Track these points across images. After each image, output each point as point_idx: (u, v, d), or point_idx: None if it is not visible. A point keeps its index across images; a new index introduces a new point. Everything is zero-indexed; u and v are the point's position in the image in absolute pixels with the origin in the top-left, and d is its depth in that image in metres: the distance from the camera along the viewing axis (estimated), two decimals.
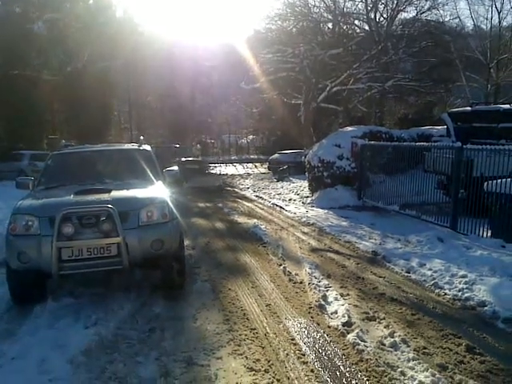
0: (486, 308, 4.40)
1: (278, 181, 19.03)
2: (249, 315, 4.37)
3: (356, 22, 20.89)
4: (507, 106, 12.45)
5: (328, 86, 17.48)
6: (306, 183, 14.96)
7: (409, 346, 3.61)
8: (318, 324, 4.14)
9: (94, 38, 24.46)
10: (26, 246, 4.33)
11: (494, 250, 6.20)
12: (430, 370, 3.20)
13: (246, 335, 3.91)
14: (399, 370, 3.25)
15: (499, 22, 25.12)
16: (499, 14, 24.90)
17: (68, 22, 24.92)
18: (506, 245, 6.38)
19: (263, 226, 8.84)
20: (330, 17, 18.93)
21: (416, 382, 3.07)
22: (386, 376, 3.16)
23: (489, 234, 7.04)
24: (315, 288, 5.08)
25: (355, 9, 20.55)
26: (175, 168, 7.17)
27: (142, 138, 6.90)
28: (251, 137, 40.77)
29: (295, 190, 15.06)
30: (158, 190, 5.21)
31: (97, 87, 25.49)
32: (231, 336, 3.90)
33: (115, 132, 35.54)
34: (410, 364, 3.32)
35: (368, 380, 3.13)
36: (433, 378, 3.09)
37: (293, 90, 18.82)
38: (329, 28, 19.49)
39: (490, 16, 25.44)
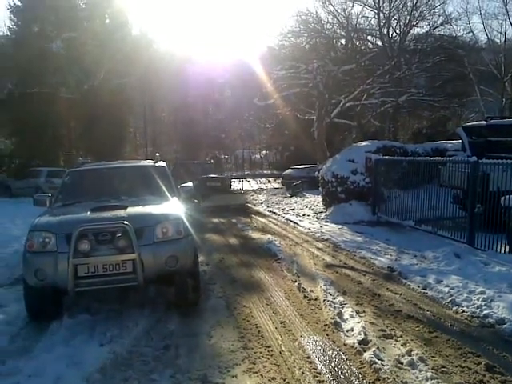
0: (505, 326, 4.31)
1: (291, 196, 19.01)
2: (263, 332, 4.34)
3: (369, 37, 21.05)
4: None
5: (341, 102, 17.51)
6: (319, 198, 14.91)
7: (427, 365, 3.55)
8: (334, 342, 4.09)
9: (111, 56, 24.95)
10: (42, 263, 4.37)
11: None
12: None
13: (260, 353, 3.89)
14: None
15: None
16: None
17: (85, 40, 25.46)
18: None
19: (277, 242, 8.82)
20: (342, 33, 19.07)
21: None
22: None
23: (507, 250, 6.94)
24: (330, 305, 5.03)
25: (368, 25, 20.74)
26: (190, 184, 7.24)
27: (157, 154, 6.98)
28: (264, 152, 40.95)
29: (309, 205, 15.03)
30: (173, 207, 5.24)
31: (112, 104, 25.95)
32: (246, 354, 3.87)
33: (130, 148, 35.95)
34: (429, 383, 3.26)
35: None
36: None
37: (306, 106, 18.90)
38: (342, 44, 19.64)
39: (503, 30, 25.40)
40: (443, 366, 3.54)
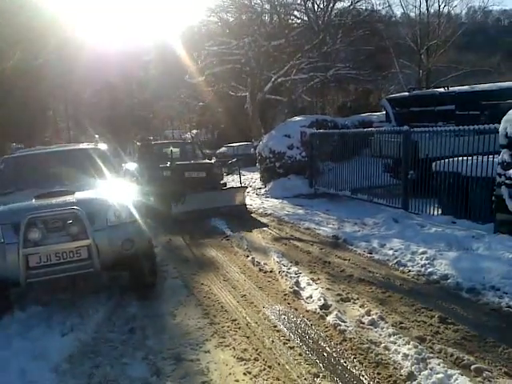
0: (449, 281, 4.69)
1: (227, 174, 19.00)
2: (227, 307, 4.40)
3: (295, 12, 21.24)
4: (442, 90, 13.14)
5: (272, 77, 17.66)
6: (256, 175, 15.08)
7: (387, 323, 3.79)
8: (296, 309, 4.24)
9: (23, 35, 23.19)
10: None
11: (446, 227, 6.59)
12: (411, 342, 3.38)
13: (228, 327, 3.94)
14: (382, 345, 3.41)
15: (427, 9, 26.18)
16: (427, 1, 25.98)
17: None
18: (456, 221, 6.78)
19: (222, 220, 8.84)
20: (269, 8, 19.13)
21: (401, 354, 3.24)
22: (371, 352, 3.31)
23: (439, 212, 7.46)
24: (286, 275, 5.18)
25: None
26: (134, 165, 7.04)
27: (96, 136, 6.72)
28: (195, 131, 40.42)
29: (247, 182, 15.13)
30: (121, 189, 5.10)
31: (29, 87, 24.27)
32: (214, 329, 3.91)
33: (52, 132, 34.01)
34: (392, 339, 3.49)
35: (355, 357, 3.27)
36: (416, 349, 3.27)
37: (238, 83, 18.87)
38: (270, 19, 19.68)
39: (418, 3, 26.43)
40: (401, 322, 3.80)
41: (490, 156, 6.39)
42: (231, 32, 17.72)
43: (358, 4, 21.66)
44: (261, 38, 16.97)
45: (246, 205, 10.02)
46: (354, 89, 24.80)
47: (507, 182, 5.78)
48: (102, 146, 6.35)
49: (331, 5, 20.89)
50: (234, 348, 3.55)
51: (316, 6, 21.08)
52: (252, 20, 17.95)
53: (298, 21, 21.51)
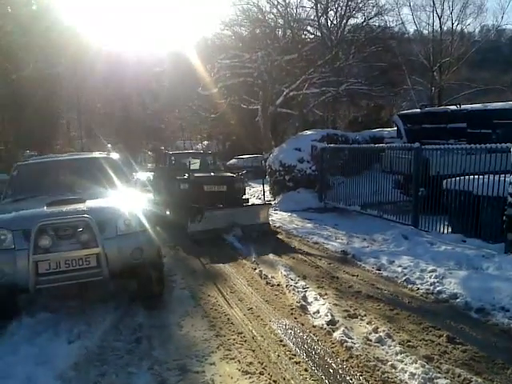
0: (458, 300, 4.64)
1: None
2: (233, 320, 4.39)
3: (308, 28, 21.40)
4: (454, 108, 13.12)
5: (284, 91, 17.76)
6: (265, 187, 15.07)
7: (394, 341, 3.76)
8: (303, 324, 4.22)
9: (40, 45, 23.58)
10: None
11: (456, 245, 6.54)
12: (418, 361, 3.35)
13: (234, 339, 3.93)
14: (389, 363, 3.38)
15: (440, 27, 26.28)
16: (440, 19, 26.11)
17: (10, 28, 23.91)
18: (466, 239, 6.73)
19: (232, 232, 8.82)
20: (283, 23, 19.30)
21: (408, 373, 3.21)
22: (378, 370, 3.28)
23: (449, 230, 7.41)
24: (294, 289, 5.16)
25: (307, 15, 21.10)
26: (146, 174, 7.16)
27: (109, 146, 6.81)
28: (206, 142, 40.62)
29: (256, 195, 15.16)
30: (132, 198, 5.15)
31: (44, 95, 24.62)
32: (220, 341, 3.91)
33: (64, 140, 34.38)
34: (399, 357, 3.46)
35: (361, 375, 3.24)
36: (423, 368, 3.23)
37: (250, 96, 18.99)
38: (283, 34, 19.84)
39: (431, 21, 26.53)
40: (409, 341, 3.77)
41: (502, 175, 6.35)
42: (244, 45, 17.88)
43: (371, 21, 21.77)
44: (274, 52, 17.11)
45: (269, 223, 9.14)
46: (365, 104, 24.81)
47: None
48: (114, 155, 6.42)
49: (344, 21, 21.05)
50: (239, 361, 3.54)
51: (329, 22, 21.25)
52: (265, 34, 18.13)
53: (311, 36, 21.66)
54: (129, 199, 5.09)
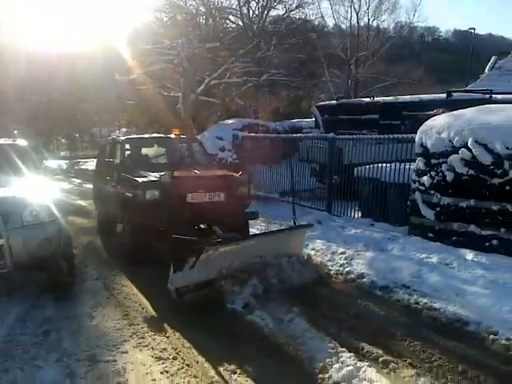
0: (364, 279, 4.96)
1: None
2: (148, 308, 4.36)
3: (231, 17, 21.39)
4: (368, 100, 13.80)
5: (206, 79, 17.67)
6: None
7: (304, 319, 3.92)
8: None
9: None
10: None
11: (365, 229, 6.94)
12: (326, 337, 3.55)
13: (148, 328, 3.91)
14: (299, 340, 3.54)
15: (357, 21, 27.42)
16: (357, 14, 27.19)
17: None
18: (374, 223, 7.16)
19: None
20: (205, 10, 19.13)
21: (315, 348, 3.39)
22: (288, 346, 3.43)
23: (359, 215, 7.84)
24: None
25: (229, 4, 21.05)
26: (58, 162, 6.77)
27: (16, 132, 6.40)
28: (125, 129, 39.32)
29: None
30: (41, 187, 4.91)
31: None
32: (133, 330, 3.88)
33: None
34: (308, 334, 3.64)
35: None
36: (330, 344, 3.44)
37: (171, 83, 18.68)
38: (204, 21, 19.67)
39: (349, 16, 27.59)
40: (316, 318, 3.96)
41: (407, 164, 6.81)
42: (166, 31, 17.51)
43: (292, 13, 22.20)
44: (195, 39, 16.92)
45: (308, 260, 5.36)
46: (286, 95, 25.34)
47: (421, 188, 6.21)
48: (21, 142, 6.07)
49: (266, 12, 21.24)
50: (152, 348, 3.54)
51: (251, 12, 21.38)
52: (187, 21, 17.86)
53: (233, 25, 21.70)
54: (37, 188, 4.85)
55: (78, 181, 18.01)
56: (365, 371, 3.07)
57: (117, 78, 18.23)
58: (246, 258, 4.64)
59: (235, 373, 3.14)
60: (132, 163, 6.64)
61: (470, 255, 5.21)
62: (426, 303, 4.16)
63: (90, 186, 8.89)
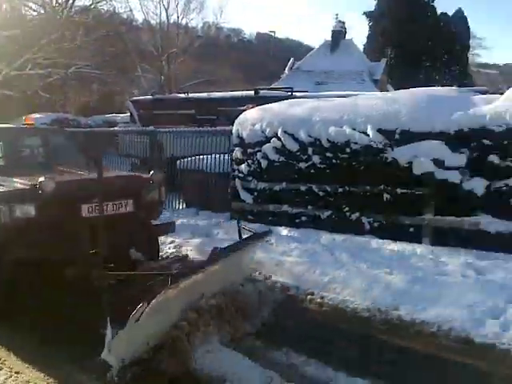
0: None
1: None
2: None
3: (31, 4, 19.51)
4: (183, 96, 14.25)
5: (4, 70, 15.90)
6: None
7: None
8: None
9: None
10: None
11: (191, 218, 7.24)
12: None
13: None
14: None
15: (167, 18, 27.47)
16: (166, 11, 27.23)
17: None
18: (199, 212, 7.52)
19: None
20: None
21: None
22: None
23: (184, 206, 8.11)
24: None
25: None
26: None
27: None
28: None
29: None
30: None
31: None
32: None
33: None
34: None
35: None
36: None
37: None
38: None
39: (158, 12, 27.51)
40: None
41: (226, 155, 7.32)
42: None
43: (100, 4, 21.34)
44: None
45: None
46: (97, 89, 24.32)
47: (240, 175, 6.77)
48: None
49: (71, 1, 20.00)
50: None
51: (54, 1, 19.85)
52: None
53: (34, 13, 19.89)
54: None
55: None
56: None
57: None
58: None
59: None
60: None
61: (284, 231, 5.90)
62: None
63: None
